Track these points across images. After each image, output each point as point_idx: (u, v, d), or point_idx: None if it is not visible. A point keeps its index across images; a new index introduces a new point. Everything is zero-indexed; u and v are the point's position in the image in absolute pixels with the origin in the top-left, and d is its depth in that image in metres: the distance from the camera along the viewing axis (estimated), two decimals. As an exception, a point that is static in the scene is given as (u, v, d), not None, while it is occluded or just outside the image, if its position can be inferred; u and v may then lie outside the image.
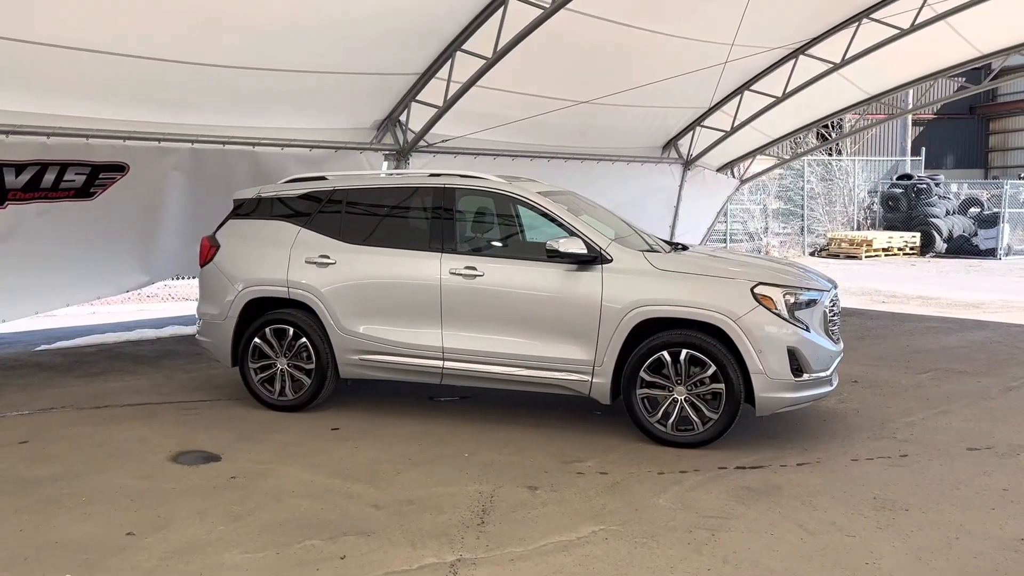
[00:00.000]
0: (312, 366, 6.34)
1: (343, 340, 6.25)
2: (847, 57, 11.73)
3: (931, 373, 8.01)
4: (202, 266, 6.76)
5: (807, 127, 14.91)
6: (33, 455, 5.41)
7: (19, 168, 8.12)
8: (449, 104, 9.87)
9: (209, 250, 6.71)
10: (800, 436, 5.89)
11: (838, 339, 6.04)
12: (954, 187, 24.84)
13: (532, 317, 5.88)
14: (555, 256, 5.74)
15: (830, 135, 23.47)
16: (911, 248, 21.85)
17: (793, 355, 5.45)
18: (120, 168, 8.67)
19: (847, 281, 15.91)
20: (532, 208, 6.08)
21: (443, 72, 9.51)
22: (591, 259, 5.78)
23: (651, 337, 5.64)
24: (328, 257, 6.32)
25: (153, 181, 8.93)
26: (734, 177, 15.17)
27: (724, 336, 5.50)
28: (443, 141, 10.73)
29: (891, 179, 24.62)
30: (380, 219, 6.44)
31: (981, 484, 4.96)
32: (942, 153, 34.47)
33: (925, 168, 26.40)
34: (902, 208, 23.16)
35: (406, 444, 5.68)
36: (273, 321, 6.43)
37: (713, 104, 13.21)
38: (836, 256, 21.65)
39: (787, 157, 17.21)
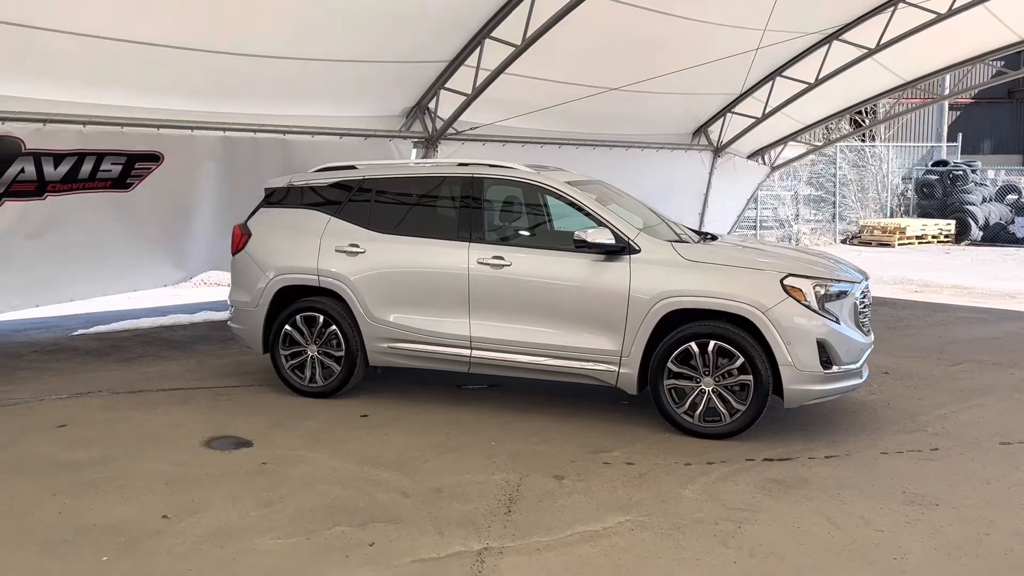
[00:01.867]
0: (342, 353, 6.41)
1: (372, 328, 6.31)
2: (882, 42, 11.57)
3: (964, 365, 7.92)
4: (234, 254, 6.84)
5: (840, 113, 14.73)
6: (71, 439, 5.53)
7: (57, 158, 8.25)
8: (478, 92, 9.89)
9: (241, 238, 6.79)
10: (829, 428, 5.86)
11: (869, 331, 6.00)
12: (991, 173, 24.41)
13: (559, 307, 5.89)
14: (583, 246, 5.75)
15: (864, 121, 23.16)
16: (945, 236, 21.53)
17: (822, 347, 5.42)
18: (155, 158, 8.77)
19: (879, 270, 15.74)
20: (560, 198, 6.08)
21: (472, 60, 9.52)
22: (619, 249, 5.77)
23: (679, 328, 5.64)
24: (358, 246, 6.37)
25: (187, 171, 9.04)
26: (765, 164, 15.02)
27: (753, 328, 5.48)
28: (472, 129, 10.74)
29: (926, 165, 24.25)
30: (409, 208, 6.47)
31: (1014, 479, 4.92)
32: (979, 139, 33.84)
33: (962, 154, 25.96)
34: (937, 195, 22.81)
35: (434, 432, 5.73)
36: (303, 309, 6.50)
37: (744, 90, 13.10)
38: (868, 244, 21.39)
39: (819, 144, 16.98)
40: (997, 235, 21.54)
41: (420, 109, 10.55)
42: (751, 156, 14.96)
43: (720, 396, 5.57)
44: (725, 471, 5.03)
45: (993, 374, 7.55)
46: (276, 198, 6.84)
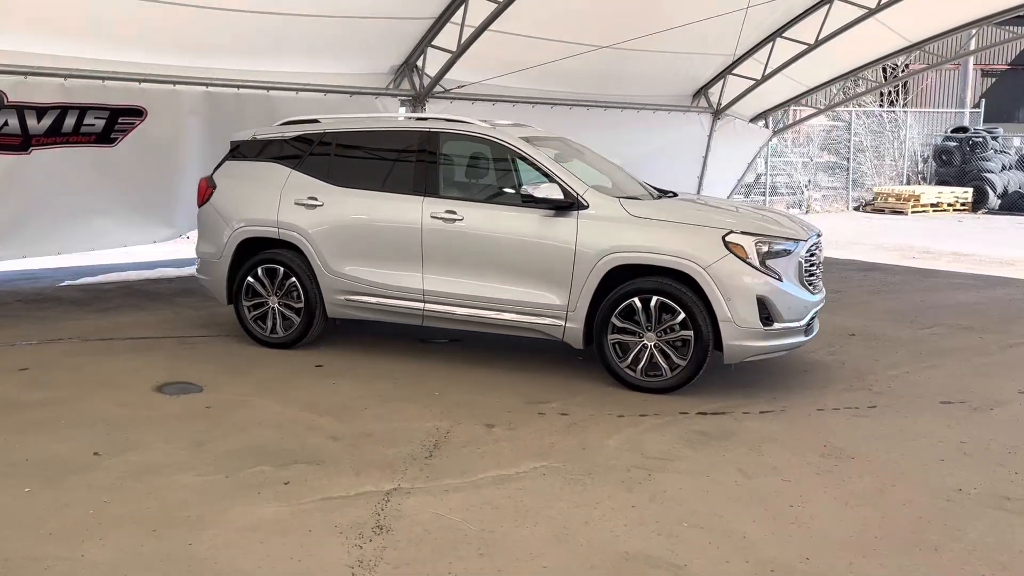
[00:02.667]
0: (301, 305, 6.54)
1: (329, 280, 6.42)
2: (882, 2, 11.35)
3: (936, 328, 7.89)
4: (200, 206, 6.97)
5: (844, 76, 14.52)
6: (30, 382, 5.72)
7: (40, 112, 8.40)
8: (463, 49, 9.88)
9: (206, 191, 6.91)
10: (774, 385, 5.90)
11: (818, 289, 6.00)
12: (1016, 141, 23.89)
13: (509, 261, 5.96)
14: (530, 201, 5.80)
15: (885, 85, 22.73)
16: (962, 204, 21.17)
17: (763, 304, 5.45)
18: (138, 112, 8.89)
19: (883, 237, 15.60)
20: (513, 153, 6.11)
21: (456, 17, 9.51)
22: (568, 205, 5.81)
23: (624, 284, 5.68)
24: (316, 199, 6.46)
25: (171, 127, 9.15)
26: (767, 128, 14.86)
27: (694, 284, 5.51)
28: (459, 87, 10.76)
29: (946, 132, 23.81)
30: (367, 162, 6.55)
31: (940, 436, 4.94)
32: (1015, 106, 33.01)
33: (996, 121, 25.39)
34: (955, 162, 22.41)
35: (383, 382, 5.85)
36: (265, 261, 6.62)
37: (744, 51, 12.96)
38: (881, 211, 21.11)
39: (821, 107, 16.73)
40: (1015, 204, 21.14)
41: (408, 67, 10.58)
42: (754, 120, 14.82)
43: (662, 351, 5.62)
44: (655, 423, 5.10)
45: (961, 337, 7.52)
46: (241, 151, 6.95)
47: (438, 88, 10.67)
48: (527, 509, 3.88)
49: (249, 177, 6.78)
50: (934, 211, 20.80)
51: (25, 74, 8.20)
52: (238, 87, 9.32)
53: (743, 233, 5.51)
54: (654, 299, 5.58)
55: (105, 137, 8.88)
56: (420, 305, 6.23)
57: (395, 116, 6.38)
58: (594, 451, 4.63)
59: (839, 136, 22.58)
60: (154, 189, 9.20)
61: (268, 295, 6.64)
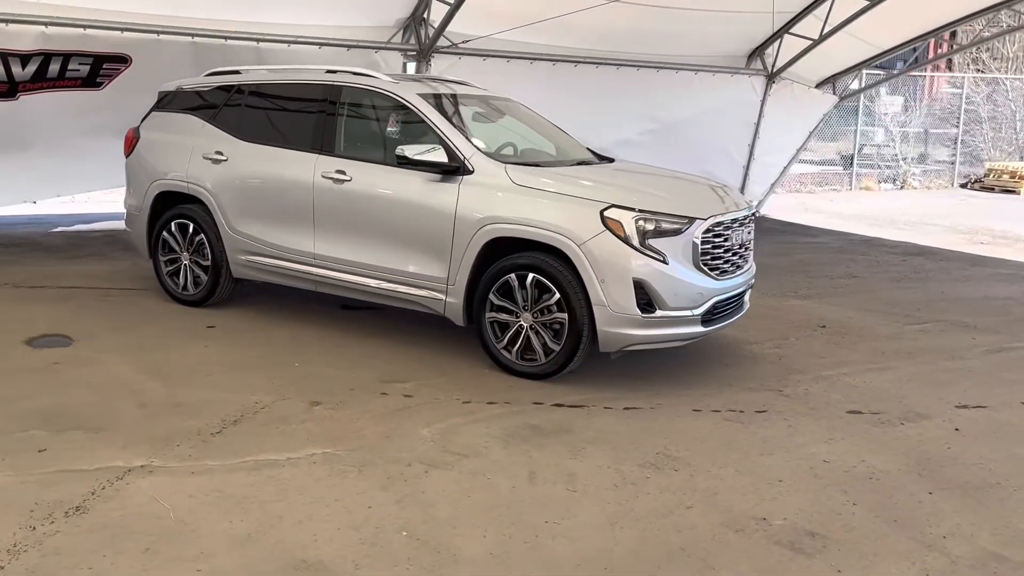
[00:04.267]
0: (209, 263, 6.36)
1: (231, 239, 6.20)
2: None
3: (929, 324, 6.97)
4: (127, 157, 6.88)
5: (924, 37, 13.08)
6: (-80, 325, 5.80)
7: (24, 59, 8.51)
8: (459, -2, 9.36)
9: (132, 141, 6.81)
10: (673, 379, 5.29)
11: (732, 274, 5.31)
12: None
13: (394, 228, 5.56)
14: (405, 163, 5.36)
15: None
16: (1092, 185, 18.98)
17: (641, 288, 4.84)
18: (123, 60, 8.90)
19: (969, 218, 14.16)
20: (408, 110, 5.66)
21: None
22: (454, 169, 5.34)
23: (504, 258, 5.19)
24: (222, 153, 6.24)
25: (157, 76, 9.12)
26: (834, 94, 13.63)
27: (571, 262, 4.97)
28: (464, 42, 10.27)
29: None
30: (273, 116, 6.27)
31: (806, 453, 4.26)
32: None
33: None
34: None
35: (258, 348, 5.61)
36: (177, 216, 6.47)
37: (803, 8, 11.88)
38: (991, 189, 19.20)
39: (895, 71, 15.18)
40: None
41: (416, 20, 10.19)
42: (820, 85, 13.62)
43: (538, 334, 5.12)
44: (495, 413, 4.64)
45: (949, 336, 6.60)
46: (166, 102, 6.79)
47: (444, 43, 10.23)
48: (256, 501, 3.54)
49: (169, 129, 6.63)
50: (1053, 192, 18.75)
51: (6, 21, 8.31)
52: (225, 38, 9.17)
53: (623, 208, 4.90)
54: (530, 276, 5.07)
55: (91, 81, 8.94)
56: (312, 270, 5.93)
57: (315, 69, 6.04)
58: (397, 440, 4.22)
59: (949, 104, 20.63)
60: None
61: (181, 251, 6.49)
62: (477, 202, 5.24)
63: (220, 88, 6.50)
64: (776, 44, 12.50)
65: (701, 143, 12.53)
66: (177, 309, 6.43)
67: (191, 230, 6.40)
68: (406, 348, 5.70)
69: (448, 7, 9.71)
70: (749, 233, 5.57)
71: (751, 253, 5.70)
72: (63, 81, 8.88)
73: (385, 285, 5.64)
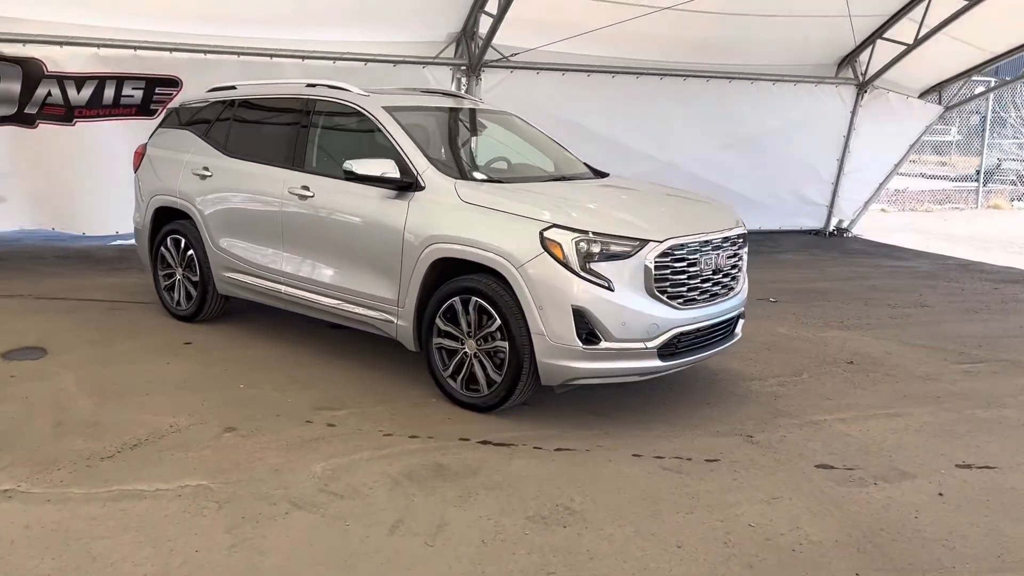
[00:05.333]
0: (198, 279, 6.32)
1: (215, 255, 6.14)
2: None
3: (982, 365, 6.10)
4: (135, 172, 6.96)
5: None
6: (-81, 334, 6.01)
7: (79, 81, 8.87)
8: (504, 8, 9.08)
9: (139, 157, 6.88)
10: (633, 418, 4.78)
11: (706, 302, 4.75)
12: None
13: (349, 246, 5.32)
14: (352, 178, 5.09)
15: None
16: None
17: (582, 316, 4.37)
18: (174, 83, 9.12)
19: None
20: (370, 122, 5.40)
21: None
22: (407, 185, 5.05)
23: (451, 280, 4.85)
24: (207, 169, 6.19)
25: (207, 97, 9.32)
26: (939, 104, 12.45)
27: (511, 286, 4.56)
28: (513, 55, 9.98)
29: None
30: (255, 132, 6.16)
31: (730, 514, 3.68)
32: None
33: None
34: None
35: (219, 367, 5.48)
36: (172, 232, 6.47)
37: (896, 11, 10.95)
38: None
39: (1008, 79, 13.66)
40: None
41: (467, 34, 9.99)
42: (925, 94, 12.49)
43: (481, 363, 4.74)
44: (409, 448, 4.28)
45: (998, 380, 5.76)
46: (170, 118, 6.83)
47: (494, 56, 9.97)
48: (85, 537, 3.33)
49: (169, 145, 6.64)
50: None
51: (61, 43, 8.68)
52: (271, 56, 9.27)
53: (564, 228, 4.44)
54: (472, 300, 4.70)
55: (145, 108, 9.20)
56: (281, 288, 5.77)
57: (297, 82, 5.91)
58: (285, 475, 3.94)
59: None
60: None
61: (175, 267, 6.49)
62: (424, 220, 4.91)
63: (214, 104, 6.47)
64: (868, 51, 11.54)
65: (782, 158, 11.71)
66: (169, 324, 6.42)
67: (183, 245, 6.38)
68: (366, 372, 5.43)
69: (492, 19, 9.47)
70: (733, 257, 4.98)
71: (740, 278, 5.11)
72: (118, 109, 9.17)
73: (343, 306, 5.39)
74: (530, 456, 4.22)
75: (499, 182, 5.20)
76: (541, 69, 10.22)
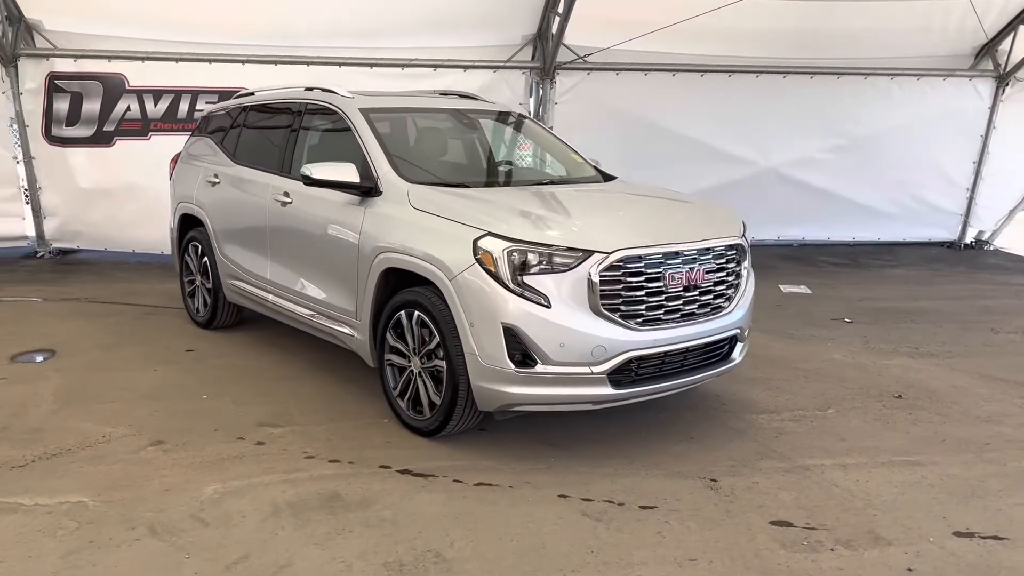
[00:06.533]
0: (211, 286, 6.30)
1: (221, 262, 6.09)
2: None
3: (1069, 404, 5.05)
4: (170, 180, 7.04)
5: None
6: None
7: (156, 95, 9.24)
8: (570, 3, 8.65)
9: (173, 165, 6.96)
10: (590, 451, 4.25)
11: (675, 322, 4.14)
12: None
13: (317, 254, 5.08)
14: (310, 183, 4.80)
15: None
16: None
17: (514, 335, 3.89)
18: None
19: None
20: (347, 125, 5.13)
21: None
22: (367, 190, 4.74)
23: (400, 291, 4.50)
24: (216, 176, 6.15)
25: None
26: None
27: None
28: (587, 55, 9.47)
29: None
30: (257, 138, 6.02)
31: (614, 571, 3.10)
32: None
33: None
34: None
35: (197, 376, 5.38)
36: (192, 239, 6.49)
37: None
38: None
39: None
40: None
41: (541, 36, 9.61)
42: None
43: (425, 383, 4.35)
44: (321, 473, 3.96)
45: (1077, 425, 4.70)
46: (200, 126, 6.86)
47: (569, 56, 9.52)
48: (-70, 549, 3.24)
49: (195, 152, 6.67)
50: None
51: (143, 59, 9.05)
52: (340, 64, 9.27)
53: (497, 236, 3.97)
54: (416, 314, 4.33)
55: (218, 123, 9.44)
56: (268, 297, 5.61)
57: (297, 87, 5.75)
58: (172, 496, 3.72)
59: None
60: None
61: (196, 273, 6.51)
62: (375, 227, 4.59)
63: (231, 111, 6.42)
64: (1009, 38, 10.18)
65: (904, 162, 10.53)
66: (187, 331, 6.43)
67: (200, 252, 6.38)
68: (340, 387, 5.17)
69: (558, 17, 9.04)
70: (719, 272, 4.32)
71: (733, 295, 4.43)
72: (192, 124, 9.43)
73: (314, 316, 5.16)
74: (442, 490, 3.79)
75: (462, 187, 4.77)
76: (621, 69, 9.67)
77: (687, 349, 4.21)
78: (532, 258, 3.92)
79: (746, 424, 4.65)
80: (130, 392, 5.07)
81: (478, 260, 3.97)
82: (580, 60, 9.53)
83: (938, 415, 4.86)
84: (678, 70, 9.75)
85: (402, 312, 4.41)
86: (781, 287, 8.38)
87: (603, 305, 3.94)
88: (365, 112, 5.12)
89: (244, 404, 4.88)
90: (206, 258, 6.28)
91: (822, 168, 10.38)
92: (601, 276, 3.92)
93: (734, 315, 4.43)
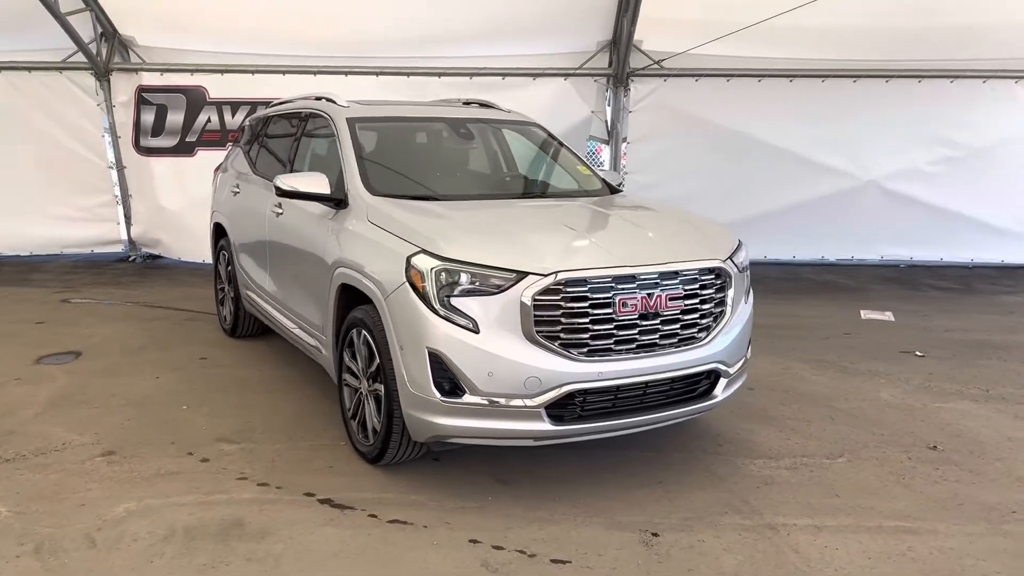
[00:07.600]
0: (234, 294, 6.33)
1: (239, 272, 6.09)
2: None
3: None
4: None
5: None
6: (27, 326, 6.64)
7: (234, 107, 9.53)
8: (636, 5, 8.24)
9: (216, 174, 7.05)
10: (540, 490, 3.89)
11: (629, 353, 3.70)
12: None
13: (298, 267, 4.95)
14: (282, 194, 4.66)
15: None
16: None
17: (439, 362, 3.59)
18: (319, 104, 9.41)
19: None
20: (335, 134, 4.97)
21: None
22: (338, 201, 4.57)
23: (353, 309, 4.29)
24: (238, 187, 6.16)
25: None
26: None
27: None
28: (661, 60, 8.99)
29: None
30: (273, 147, 5.98)
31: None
32: None
33: None
34: None
35: (191, 385, 5.39)
36: (221, 248, 6.55)
37: None
38: None
39: None
40: None
41: (616, 42, 9.21)
42: None
43: (370, 406, 4.12)
44: (241, 498, 3.80)
45: None
46: (240, 136, 6.92)
47: (643, 61, 9.07)
48: None
49: (231, 162, 6.73)
50: None
51: (223, 71, 9.34)
52: (408, 75, 9.23)
53: (428, 254, 3.68)
54: (362, 334, 4.11)
55: (292, 133, 9.60)
56: (268, 308, 5.55)
57: (309, 96, 5.64)
58: (85, 511, 3.65)
59: None
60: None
61: (224, 281, 6.57)
62: (338, 240, 4.40)
63: (261, 120, 6.43)
64: None
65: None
66: (213, 339, 6.50)
67: (227, 261, 6.43)
68: (318, 404, 5.02)
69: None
70: (690, 299, 3.84)
71: (711, 326, 3.93)
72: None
73: (297, 331, 5.03)
74: (351, 525, 3.53)
75: (431, 200, 4.49)
76: (700, 75, 9.12)
77: (647, 384, 3.76)
78: (462, 278, 3.60)
79: (731, 470, 4.13)
80: (119, 399, 5.10)
81: (408, 279, 3.70)
82: (655, 65, 9.05)
83: (970, 472, 4.15)
84: (764, 75, 9.09)
85: (353, 331, 4.19)
86: (862, 312, 7.58)
87: (538, 332, 3.57)
88: (351, 122, 4.95)
89: (216, 417, 4.80)
90: (231, 266, 6.31)
91: (931, 181, 9.42)
92: (536, 300, 3.55)
93: (712, 347, 3.93)
